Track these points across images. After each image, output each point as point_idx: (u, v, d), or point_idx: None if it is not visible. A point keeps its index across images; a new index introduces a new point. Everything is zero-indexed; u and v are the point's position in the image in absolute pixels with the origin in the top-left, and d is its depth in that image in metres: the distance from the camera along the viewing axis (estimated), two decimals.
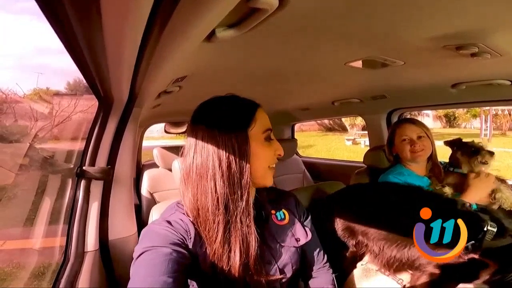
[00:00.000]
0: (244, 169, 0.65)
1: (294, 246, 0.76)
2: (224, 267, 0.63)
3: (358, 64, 1.10)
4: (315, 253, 0.84)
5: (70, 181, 1.07)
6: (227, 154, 0.64)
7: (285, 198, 0.84)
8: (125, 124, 1.08)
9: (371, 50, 0.93)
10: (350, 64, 1.10)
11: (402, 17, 0.69)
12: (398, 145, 1.41)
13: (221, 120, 0.67)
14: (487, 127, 13.22)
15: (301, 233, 0.79)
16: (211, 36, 0.63)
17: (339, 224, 1.05)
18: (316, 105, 2.28)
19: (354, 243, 1.00)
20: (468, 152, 1.26)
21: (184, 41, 0.52)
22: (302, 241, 0.78)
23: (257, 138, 0.68)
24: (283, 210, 0.80)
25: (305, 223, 0.83)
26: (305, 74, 1.31)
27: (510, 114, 13.74)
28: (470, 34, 0.73)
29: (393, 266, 0.90)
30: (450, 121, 16.37)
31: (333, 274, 0.86)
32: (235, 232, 0.64)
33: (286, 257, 0.74)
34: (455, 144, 1.32)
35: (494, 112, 13.20)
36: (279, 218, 0.78)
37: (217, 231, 0.63)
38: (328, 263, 0.87)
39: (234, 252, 0.63)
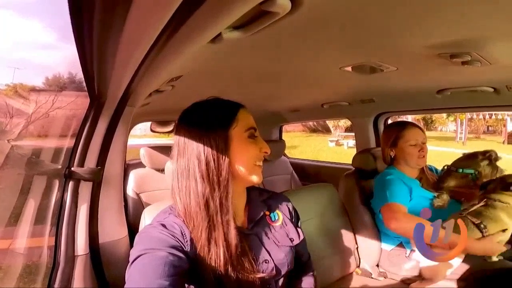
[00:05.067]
0: (222, 166, 0.67)
1: (289, 246, 0.78)
2: (212, 264, 0.63)
3: (352, 69, 1.13)
4: (303, 255, 0.89)
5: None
6: (205, 154, 0.67)
7: (277, 200, 0.86)
8: (116, 123, 1.04)
9: (367, 55, 0.95)
10: (345, 68, 1.12)
11: (402, 24, 0.71)
12: (405, 149, 1.40)
13: (204, 122, 0.70)
14: (462, 130, 13.88)
15: (294, 234, 0.81)
16: (216, 37, 0.62)
17: None
18: (306, 107, 2.31)
19: None
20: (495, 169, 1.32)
21: (191, 43, 0.51)
22: (296, 241, 0.80)
23: (239, 136, 0.70)
24: (276, 211, 0.82)
25: (297, 224, 0.86)
26: (299, 77, 1.32)
27: (484, 119, 14.51)
28: (466, 43, 0.76)
29: None
30: (428, 124, 17.03)
31: (314, 272, 0.90)
32: (217, 229, 0.65)
33: (282, 255, 0.75)
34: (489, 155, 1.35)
35: (469, 116, 13.88)
36: (273, 218, 0.80)
37: (200, 229, 0.65)
38: (311, 264, 0.91)
39: (218, 249, 0.64)
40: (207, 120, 0.70)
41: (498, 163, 1.35)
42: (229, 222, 0.67)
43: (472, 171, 1.35)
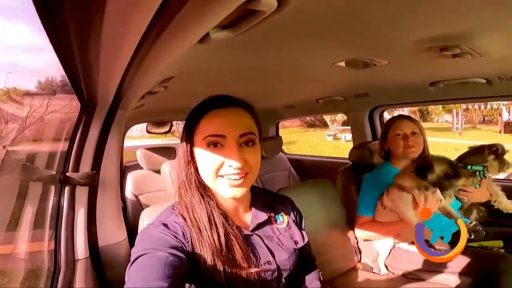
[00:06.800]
0: (190, 176, 0.70)
1: (293, 248, 0.78)
2: (204, 261, 0.63)
3: (345, 64, 1.13)
4: (308, 255, 0.87)
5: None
6: (179, 162, 0.71)
7: (282, 202, 0.86)
8: (110, 126, 1.04)
9: (359, 50, 0.95)
10: (338, 64, 1.12)
11: (390, 19, 0.71)
12: (392, 140, 1.40)
13: (184, 128, 0.73)
14: (458, 121, 13.94)
15: (299, 236, 0.80)
16: (204, 37, 0.62)
17: None
18: (301, 103, 2.31)
19: None
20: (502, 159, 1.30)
21: (179, 44, 0.51)
22: (300, 244, 0.79)
23: (200, 145, 0.68)
24: (281, 213, 0.81)
25: (301, 227, 0.85)
26: (293, 73, 1.32)
27: (480, 109, 14.57)
28: (455, 36, 0.76)
29: None
30: (424, 115, 17.09)
31: (320, 272, 0.89)
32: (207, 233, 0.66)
33: (285, 257, 0.75)
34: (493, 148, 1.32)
35: (465, 107, 13.93)
36: (278, 221, 0.79)
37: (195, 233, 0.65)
38: (316, 263, 0.90)
39: (205, 243, 0.65)
40: (184, 127, 0.72)
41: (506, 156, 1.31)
42: (217, 227, 0.67)
43: (481, 168, 1.30)
